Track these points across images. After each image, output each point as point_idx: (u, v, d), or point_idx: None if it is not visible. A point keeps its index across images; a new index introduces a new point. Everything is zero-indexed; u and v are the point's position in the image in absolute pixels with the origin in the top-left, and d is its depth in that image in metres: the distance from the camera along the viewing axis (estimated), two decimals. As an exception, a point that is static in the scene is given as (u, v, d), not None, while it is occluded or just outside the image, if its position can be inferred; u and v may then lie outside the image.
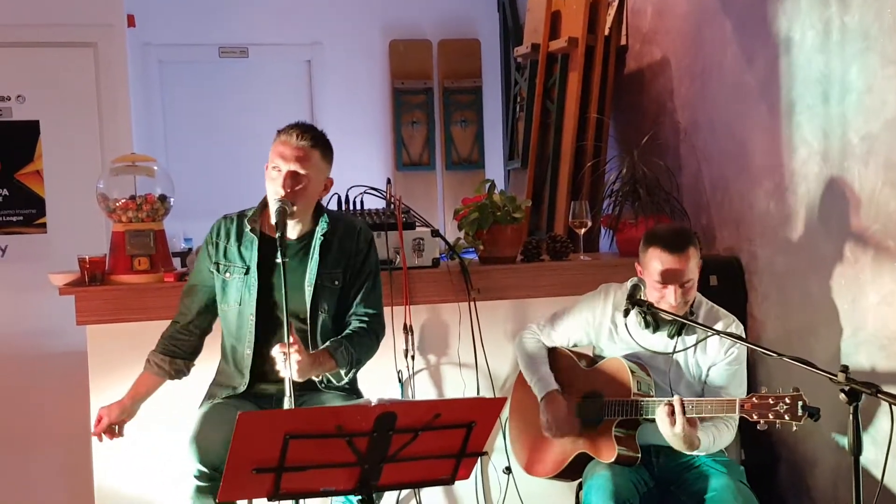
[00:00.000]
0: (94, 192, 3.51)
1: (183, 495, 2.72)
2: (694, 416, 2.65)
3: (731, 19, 3.76)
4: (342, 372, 2.85)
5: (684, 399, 2.67)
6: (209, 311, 3.02)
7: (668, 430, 2.66)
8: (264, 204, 2.96)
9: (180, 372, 3.03)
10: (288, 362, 2.57)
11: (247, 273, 2.92)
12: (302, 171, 2.82)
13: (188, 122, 5.88)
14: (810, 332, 3.33)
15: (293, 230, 2.92)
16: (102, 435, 2.98)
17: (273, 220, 2.76)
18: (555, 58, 4.69)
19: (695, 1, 4.04)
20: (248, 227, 2.94)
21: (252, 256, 2.92)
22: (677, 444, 2.70)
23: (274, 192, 2.82)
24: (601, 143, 4.50)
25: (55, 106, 4.77)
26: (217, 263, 2.97)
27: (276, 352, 2.64)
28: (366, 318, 2.95)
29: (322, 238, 2.91)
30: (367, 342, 2.92)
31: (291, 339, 2.62)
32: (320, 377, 2.92)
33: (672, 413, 2.64)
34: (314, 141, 2.87)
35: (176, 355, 3.02)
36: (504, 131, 6.07)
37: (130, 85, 4.96)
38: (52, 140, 4.76)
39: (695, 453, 2.78)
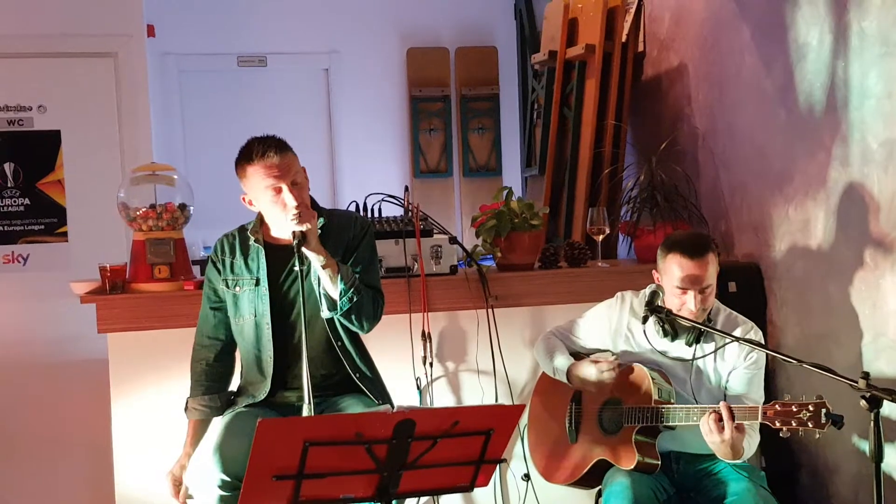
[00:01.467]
0: (115, 201, 3.54)
1: None
2: (742, 421, 2.63)
3: (748, 25, 3.76)
4: (339, 282, 2.76)
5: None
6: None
7: (715, 437, 2.63)
8: (262, 217, 2.97)
9: (230, 402, 3.03)
10: (298, 216, 2.66)
11: (257, 284, 2.93)
12: (297, 180, 2.82)
13: (207, 131, 5.92)
14: (830, 338, 3.31)
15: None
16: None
17: (293, 242, 2.71)
18: (572, 65, 4.70)
19: (712, 8, 4.04)
20: (251, 239, 2.95)
21: (260, 267, 2.94)
22: (723, 452, 2.68)
23: (285, 211, 2.77)
24: (619, 150, 4.50)
25: (76, 116, 4.81)
26: (225, 280, 2.97)
27: (290, 210, 2.71)
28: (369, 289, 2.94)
29: (319, 232, 2.87)
30: (369, 297, 2.88)
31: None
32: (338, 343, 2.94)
33: (720, 420, 2.62)
34: (284, 146, 2.84)
35: (220, 390, 3.03)
36: (521, 138, 6.08)
37: (150, 94, 5.00)
38: (73, 149, 4.81)
39: (735, 462, 2.75)
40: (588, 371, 2.97)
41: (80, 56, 4.85)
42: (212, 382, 3.01)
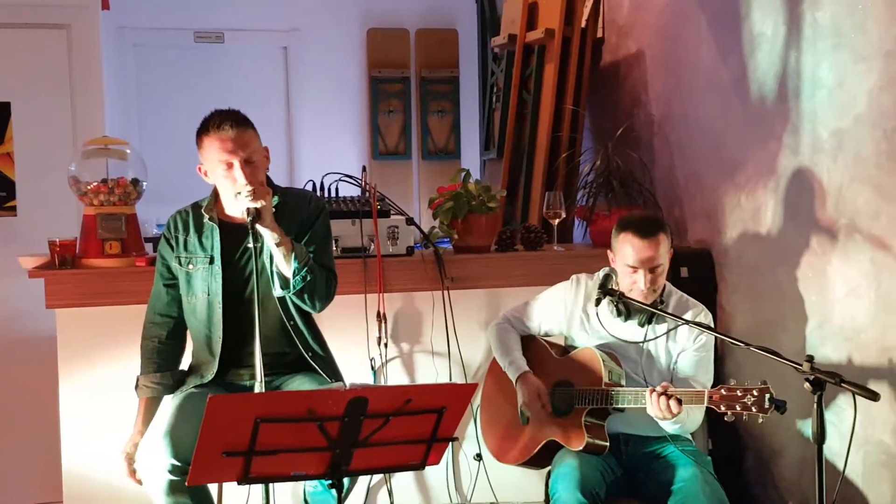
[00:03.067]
0: (66, 175, 3.48)
1: (155, 490, 2.69)
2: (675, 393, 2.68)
3: (706, 14, 3.79)
4: (292, 261, 2.75)
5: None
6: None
7: (665, 415, 2.69)
8: (216, 192, 2.94)
9: (181, 381, 3.00)
10: (251, 194, 2.65)
11: (211, 262, 2.91)
12: (252, 158, 2.80)
13: (162, 107, 5.84)
14: (778, 324, 3.37)
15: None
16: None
17: (246, 219, 2.68)
18: (531, 49, 4.71)
19: (671, -5, 4.07)
20: (206, 217, 2.92)
21: (214, 245, 2.91)
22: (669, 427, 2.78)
23: (234, 188, 2.76)
24: (576, 135, 4.52)
25: (27, 88, 4.71)
26: (178, 257, 2.94)
27: (242, 187, 2.70)
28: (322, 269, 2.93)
29: (273, 211, 2.84)
30: (322, 277, 2.87)
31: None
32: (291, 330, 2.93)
33: (662, 396, 2.67)
34: (243, 121, 2.83)
35: (171, 367, 3.00)
36: (480, 122, 6.08)
37: (104, 68, 4.91)
38: (24, 122, 4.71)
39: (670, 424, 2.79)
40: (522, 396, 3.03)
41: (31, 27, 4.75)
42: (163, 360, 2.98)
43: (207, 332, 2.93)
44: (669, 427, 2.80)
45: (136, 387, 2.98)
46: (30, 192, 4.70)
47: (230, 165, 2.77)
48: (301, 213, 2.96)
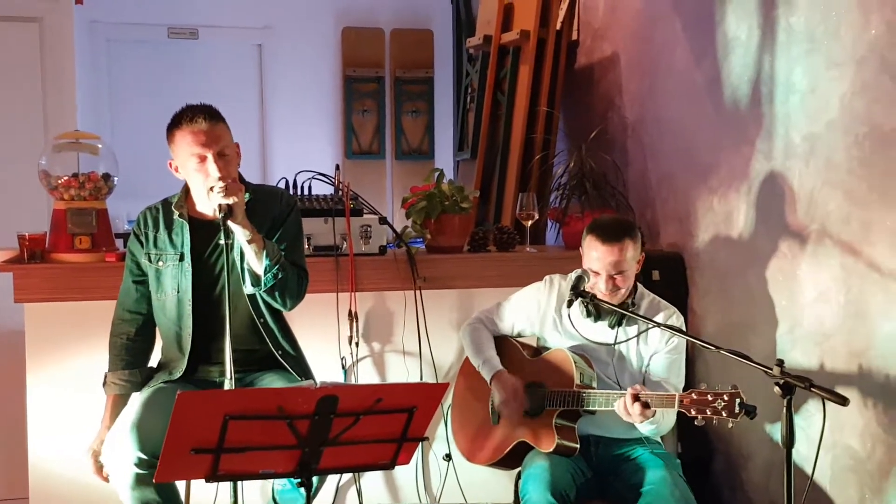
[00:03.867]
0: (36, 168, 3.44)
1: (121, 484, 2.66)
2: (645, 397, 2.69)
3: (681, 18, 3.81)
4: (263, 258, 2.73)
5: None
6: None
7: (636, 419, 2.70)
8: (187, 189, 2.92)
9: (149, 378, 2.97)
10: (223, 191, 2.63)
11: (181, 259, 2.88)
12: (225, 152, 2.77)
13: (135, 103, 5.79)
14: (749, 327, 3.39)
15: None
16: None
17: (218, 215, 2.65)
18: (506, 50, 4.71)
19: (646, -1, 4.09)
20: (176, 214, 2.90)
21: (184, 242, 2.89)
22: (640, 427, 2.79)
23: (206, 183, 2.73)
24: (550, 137, 4.53)
25: (-3, 80, 4.67)
26: (148, 254, 2.92)
27: (214, 181, 2.68)
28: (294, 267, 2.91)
29: (245, 208, 2.82)
30: (294, 275, 2.85)
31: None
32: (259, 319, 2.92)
33: (634, 402, 2.67)
34: (216, 115, 2.80)
35: (139, 364, 2.97)
36: (454, 122, 6.09)
37: (77, 62, 4.86)
38: (-6, 115, 4.66)
39: (646, 424, 2.79)
40: (497, 396, 3.02)
41: (3, 19, 4.69)
42: (132, 357, 2.95)
43: (177, 329, 2.91)
44: (644, 428, 2.81)
45: (104, 384, 2.95)
46: (-1, 184, 4.65)
47: (203, 159, 2.74)
48: (272, 211, 2.94)
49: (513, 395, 2.99)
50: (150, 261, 2.91)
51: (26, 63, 4.71)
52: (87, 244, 3.36)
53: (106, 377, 2.95)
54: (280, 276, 2.77)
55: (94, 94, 5.59)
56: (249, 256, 2.76)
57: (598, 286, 2.89)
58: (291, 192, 3.62)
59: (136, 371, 2.94)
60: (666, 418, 2.84)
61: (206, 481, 2.15)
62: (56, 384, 3.34)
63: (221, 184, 2.66)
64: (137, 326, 2.96)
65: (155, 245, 2.91)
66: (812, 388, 2.24)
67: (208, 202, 2.75)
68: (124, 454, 2.64)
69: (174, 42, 5.94)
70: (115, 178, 3.46)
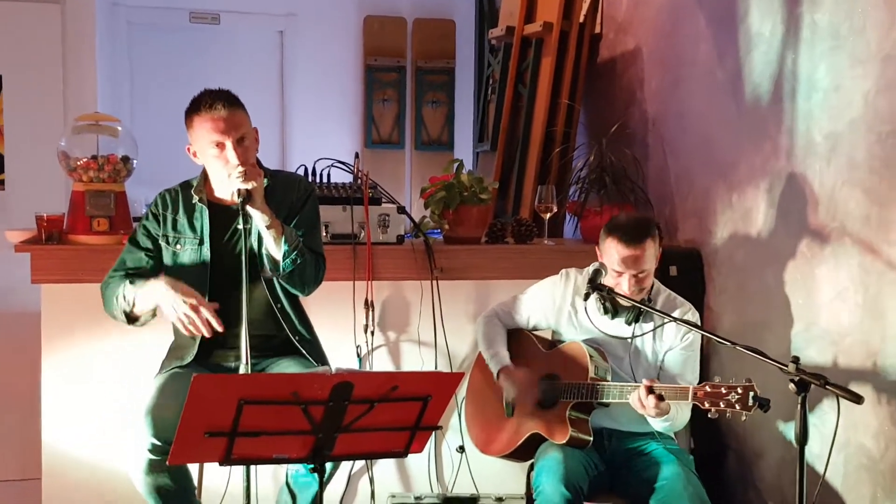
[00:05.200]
0: (56, 150, 3.45)
1: (135, 469, 2.67)
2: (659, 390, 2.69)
3: (705, 13, 3.79)
4: (282, 244, 2.73)
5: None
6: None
7: (650, 412, 2.70)
8: (206, 174, 2.92)
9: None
10: (242, 175, 2.62)
11: (200, 244, 2.89)
12: (243, 137, 2.77)
13: (155, 86, 5.80)
14: (765, 325, 3.37)
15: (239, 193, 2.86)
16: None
17: (237, 200, 2.65)
18: (529, 42, 4.70)
19: (670, -7, 4.06)
20: (195, 198, 2.90)
21: (203, 227, 2.89)
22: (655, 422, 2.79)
23: (226, 169, 2.73)
24: (571, 130, 4.52)
25: (19, 61, 4.69)
26: (165, 236, 2.91)
27: (233, 168, 2.67)
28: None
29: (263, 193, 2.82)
30: (311, 261, 2.85)
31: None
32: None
33: (649, 395, 2.67)
34: (235, 102, 2.80)
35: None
36: (475, 114, 6.07)
37: (97, 45, 4.88)
38: (14, 95, 4.68)
39: (660, 422, 2.80)
40: (511, 389, 3.03)
41: (26, 0, 4.71)
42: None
43: None
44: (658, 424, 2.80)
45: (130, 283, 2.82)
46: (18, 166, 4.68)
47: (222, 146, 2.75)
48: (290, 197, 2.94)
49: (527, 385, 2.98)
50: (167, 243, 2.92)
51: (48, 45, 4.73)
52: (104, 226, 3.37)
53: (124, 298, 2.81)
54: (298, 261, 2.78)
55: (114, 77, 5.61)
56: (268, 242, 2.76)
57: (621, 287, 2.88)
58: (310, 179, 3.62)
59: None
60: (680, 414, 2.83)
61: (220, 465, 2.16)
62: (71, 366, 3.36)
63: (241, 169, 2.67)
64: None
65: (174, 228, 2.92)
66: (827, 386, 2.23)
67: (227, 187, 2.75)
68: (138, 440, 2.65)
69: (196, 27, 5.94)
70: (135, 161, 3.48)
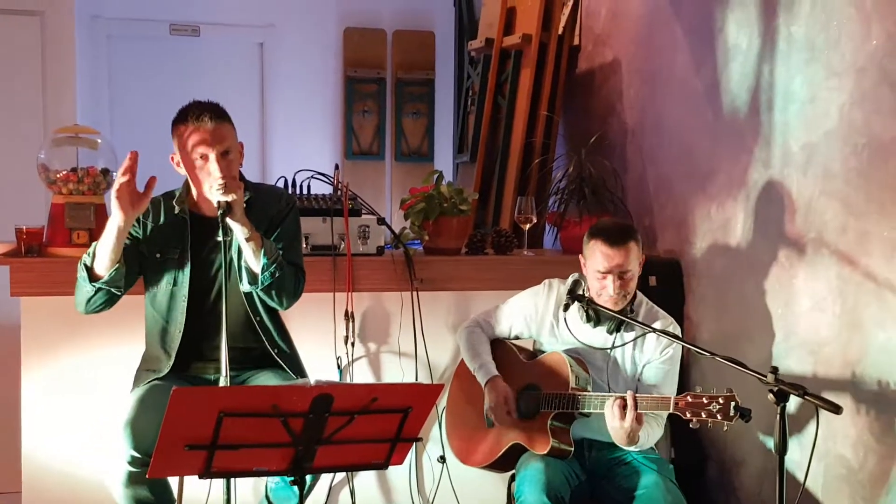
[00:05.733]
0: (35, 162, 3.44)
1: (114, 481, 2.66)
2: (642, 412, 2.69)
3: (682, 25, 3.82)
4: (261, 256, 2.72)
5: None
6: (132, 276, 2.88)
7: (616, 423, 2.69)
8: (188, 185, 2.92)
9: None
10: (222, 188, 2.62)
11: (180, 255, 2.88)
12: (227, 150, 2.77)
13: (135, 99, 5.79)
14: (744, 335, 3.39)
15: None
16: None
17: (218, 213, 2.64)
18: (508, 54, 4.72)
19: (648, 5, 4.09)
20: (177, 209, 2.90)
21: (185, 238, 2.89)
22: (619, 438, 2.73)
23: (208, 183, 2.73)
24: (550, 141, 4.54)
25: (-2, 73, 4.67)
26: (146, 243, 2.89)
27: (215, 180, 2.66)
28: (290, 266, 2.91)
29: (244, 206, 2.79)
30: (291, 274, 2.84)
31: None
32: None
33: (624, 407, 2.67)
34: (222, 114, 2.80)
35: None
36: (454, 125, 6.09)
37: (77, 57, 4.86)
38: (-7, 108, 4.66)
39: (630, 449, 2.83)
40: (490, 401, 3.02)
41: (4, 12, 4.70)
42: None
43: (164, 323, 2.90)
44: (624, 444, 2.80)
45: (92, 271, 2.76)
46: (-3, 177, 4.65)
47: (206, 157, 2.75)
48: (271, 210, 2.94)
49: (502, 402, 2.99)
50: (148, 251, 2.90)
51: (27, 57, 4.71)
52: (84, 239, 3.35)
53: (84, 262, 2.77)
54: (277, 274, 2.77)
55: (93, 89, 5.59)
56: (247, 254, 2.76)
57: (606, 290, 2.89)
58: (290, 190, 3.62)
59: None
60: (651, 437, 2.86)
61: (200, 478, 2.15)
62: (51, 379, 3.33)
63: (221, 181, 2.67)
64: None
65: (155, 236, 2.90)
66: (806, 397, 2.25)
67: (207, 195, 2.75)
68: (118, 452, 2.63)
69: (175, 39, 5.93)
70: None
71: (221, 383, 2.53)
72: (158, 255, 2.89)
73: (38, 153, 3.45)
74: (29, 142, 4.37)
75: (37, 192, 4.28)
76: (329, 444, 2.17)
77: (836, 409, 2.23)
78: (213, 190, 2.67)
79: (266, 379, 2.92)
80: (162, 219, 2.92)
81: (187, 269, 2.87)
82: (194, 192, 2.89)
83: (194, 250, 2.89)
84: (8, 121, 4.66)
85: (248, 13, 6.03)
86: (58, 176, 3.37)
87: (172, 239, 2.89)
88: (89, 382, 3.34)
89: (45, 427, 3.34)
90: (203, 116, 2.75)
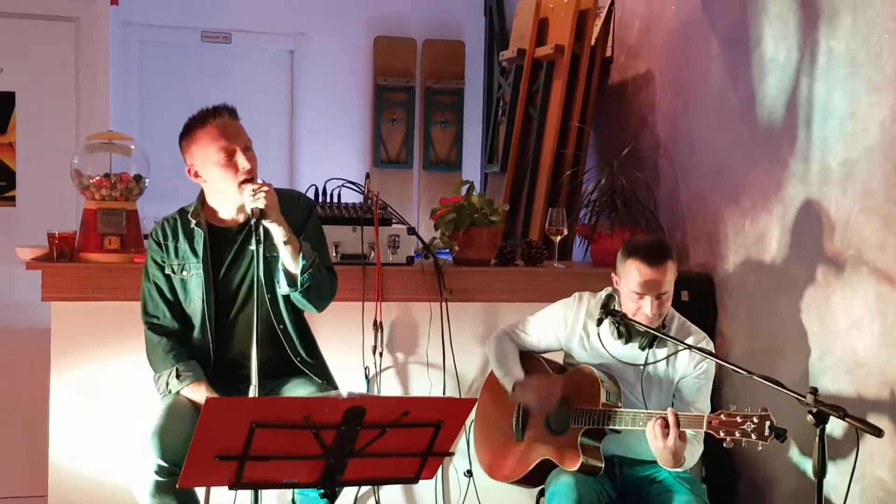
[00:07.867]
0: (68, 167, 3.45)
1: (140, 490, 2.64)
2: (685, 430, 2.64)
3: (718, 37, 3.78)
4: (300, 259, 2.72)
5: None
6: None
7: (659, 443, 2.64)
8: (202, 199, 2.91)
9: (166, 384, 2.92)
10: (258, 194, 2.62)
11: (203, 267, 2.87)
12: (248, 145, 2.78)
13: (166, 105, 5.80)
14: (778, 352, 3.34)
15: (240, 212, 2.86)
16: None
17: (252, 222, 2.64)
18: (540, 64, 4.70)
19: (682, 17, 4.06)
20: (193, 223, 2.88)
21: (205, 250, 2.87)
22: (665, 459, 2.68)
23: (236, 178, 2.72)
24: (581, 153, 4.51)
25: (32, 78, 4.69)
26: (171, 265, 2.89)
27: (248, 188, 2.67)
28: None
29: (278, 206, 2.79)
30: (326, 275, 2.85)
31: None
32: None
33: (666, 426, 2.63)
34: (236, 115, 2.82)
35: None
36: (483, 135, 6.07)
37: (110, 63, 4.89)
38: (27, 113, 4.68)
39: (676, 470, 2.77)
40: (530, 399, 3.00)
41: (40, 18, 4.73)
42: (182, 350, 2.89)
43: (201, 337, 2.90)
44: (676, 470, 2.75)
45: (176, 377, 2.83)
46: (30, 182, 4.67)
47: (231, 153, 2.73)
48: (293, 214, 2.91)
49: (547, 390, 2.95)
50: (174, 272, 2.90)
51: (61, 63, 4.74)
52: (116, 244, 3.37)
53: (173, 373, 2.84)
54: (316, 276, 2.77)
55: (124, 95, 5.61)
56: (285, 257, 2.74)
57: (642, 310, 2.84)
58: (320, 199, 3.62)
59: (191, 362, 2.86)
60: (691, 459, 2.80)
61: (230, 489, 2.14)
62: (80, 384, 3.34)
63: (253, 187, 2.66)
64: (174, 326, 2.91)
65: (176, 255, 2.89)
66: (847, 418, 2.21)
67: (230, 204, 2.74)
68: (144, 462, 2.62)
69: (207, 46, 5.95)
70: (147, 180, 3.47)
71: (251, 393, 2.51)
72: (185, 273, 2.88)
73: (72, 158, 3.47)
74: (62, 147, 4.40)
75: (69, 198, 4.32)
76: (360, 457, 2.15)
77: (878, 433, 2.18)
78: (245, 197, 2.66)
79: (295, 387, 2.90)
80: (181, 235, 2.90)
81: (210, 280, 2.86)
82: (213, 200, 2.87)
83: (215, 261, 2.88)
84: (42, 125, 4.69)
85: (279, 21, 6.05)
86: (91, 181, 3.38)
87: (194, 253, 2.88)
88: (118, 388, 3.35)
89: (72, 432, 3.34)
90: (221, 115, 2.77)
